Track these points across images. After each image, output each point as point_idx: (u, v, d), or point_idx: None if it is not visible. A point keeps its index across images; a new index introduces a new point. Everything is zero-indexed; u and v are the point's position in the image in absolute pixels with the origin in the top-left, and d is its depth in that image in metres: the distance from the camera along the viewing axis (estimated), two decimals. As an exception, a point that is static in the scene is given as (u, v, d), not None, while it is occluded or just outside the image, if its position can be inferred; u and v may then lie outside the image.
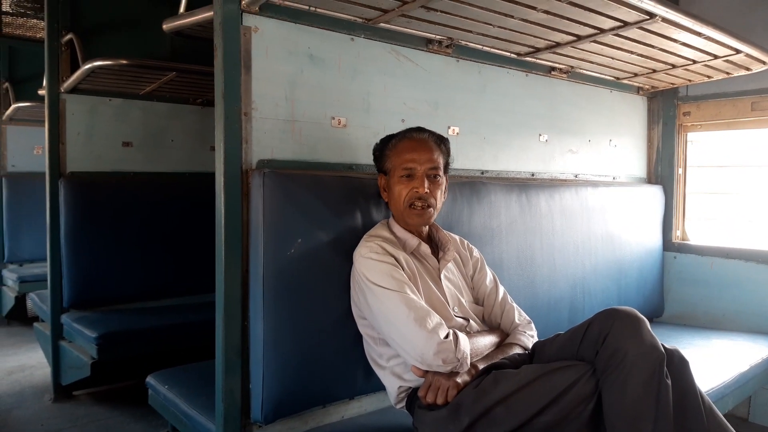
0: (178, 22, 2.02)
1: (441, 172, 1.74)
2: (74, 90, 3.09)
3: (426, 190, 1.69)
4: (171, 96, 3.40)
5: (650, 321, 1.44)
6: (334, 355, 1.74)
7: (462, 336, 1.56)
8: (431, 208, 1.71)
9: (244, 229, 1.65)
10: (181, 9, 2.01)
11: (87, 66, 2.77)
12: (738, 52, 2.28)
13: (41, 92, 3.39)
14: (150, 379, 2.15)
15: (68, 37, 3.05)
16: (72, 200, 3.04)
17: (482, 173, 2.36)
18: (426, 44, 2.11)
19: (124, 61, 2.78)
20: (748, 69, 2.55)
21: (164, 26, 2.09)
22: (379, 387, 1.79)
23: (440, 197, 1.75)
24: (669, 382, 1.36)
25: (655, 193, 3.10)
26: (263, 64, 1.70)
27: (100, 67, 2.77)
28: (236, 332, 1.65)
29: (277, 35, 1.73)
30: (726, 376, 2.18)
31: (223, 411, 1.62)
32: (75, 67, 3.00)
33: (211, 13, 1.69)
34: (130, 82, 3.10)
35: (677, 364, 1.42)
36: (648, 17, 1.88)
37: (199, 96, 3.45)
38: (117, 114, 3.30)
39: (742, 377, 2.25)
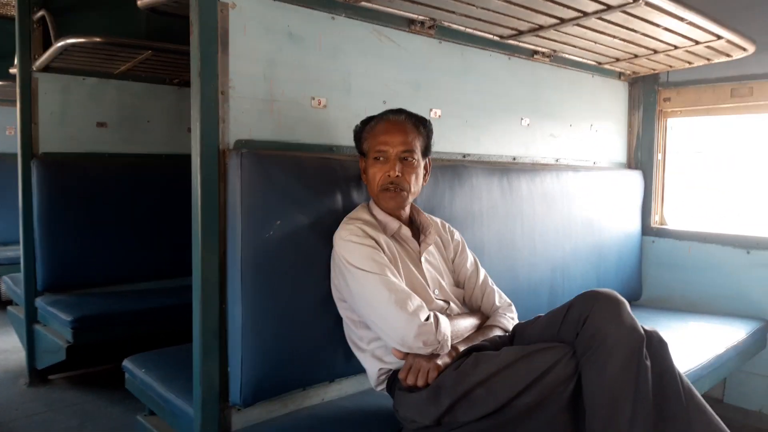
0: (153, -2, 1.96)
1: (416, 155, 1.71)
2: (47, 69, 3.01)
3: (398, 173, 1.67)
4: (147, 75, 3.33)
5: (629, 303, 1.45)
6: (314, 338, 1.72)
7: (443, 318, 1.55)
8: (404, 191, 1.70)
9: (221, 210, 1.62)
10: (157, -16, 1.95)
11: (60, 44, 2.69)
12: (719, 38, 2.28)
13: (12, 71, 3.29)
14: (127, 363, 2.11)
15: (40, 14, 2.96)
16: (45, 182, 2.98)
17: (464, 156, 2.34)
18: (408, 25, 2.08)
19: (98, 39, 2.71)
20: (728, 55, 2.57)
21: (138, 2, 2.03)
22: (359, 370, 1.79)
23: (415, 181, 1.72)
24: (648, 363, 1.37)
25: (635, 178, 3.12)
26: (241, 41, 1.65)
27: (73, 45, 2.69)
28: (214, 315, 1.62)
29: (255, 12, 1.69)
30: (702, 358, 2.21)
31: (201, 394, 1.60)
32: (47, 45, 2.91)
33: (188, -12, 1.64)
34: (105, 60, 3.02)
35: (656, 346, 1.42)
36: (631, 1, 1.87)
37: (175, 76, 3.38)
38: (91, 94, 3.22)
39: (717, 359, 2.28)
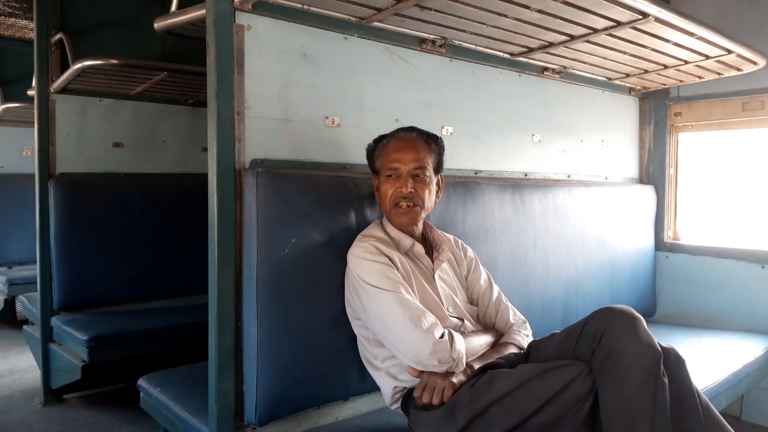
0: (170, 21, 2.00)
1: (428, 172, 1.72)
2: (64, 90, 3.06)
3: (410, 189, 1.68)
4: (162, 96, 3.37)
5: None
6: (329, 356, 1.73)
7: (457, 336, 1.55)
8: (417, 207, 1.71)
9: (237, 229, 1.64)
10: (173, 7, 1.99)
11: (77, 66, 2.75)
12: (729, 52, 2.29)
13: (30, 93, 3.35)
14: (142, 382, 2.12)
15: (58, 36, 3.02)
16: (62, 202, 3.01)
17: (476, 173, 2.35)
18: (420, 44, 2.10)
19: (115, 61, 2.75)
20: (739, 69, 2.57)
21: (155, 25, 2.07)
22: (374, 388, 1.79)
23: (428, 197, 1.73)
24: (666, 380, 1.36)
25: (647, 193, 3.11)
26: (256, 62, 1.69)
27: (90, 67, 2.74)
28: (230, 333, 1.63)
29: (270, 34, 1.72)
30: (719, 375, 2.19)
31: (216, 413, 1.61)
32: (65, 68, 2.97)
33: (203, 11, 1.67)
34: (121, 82, 3.07)
35: (673, 363, 1.42)
36: (641, 17, 1.89)
37: (190, 96, 3.43)
38: (107, 114, 3.27)
39: (734, 376, 2.26)
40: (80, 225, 3.06)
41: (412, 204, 1.69)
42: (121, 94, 3.27)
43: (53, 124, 3.07)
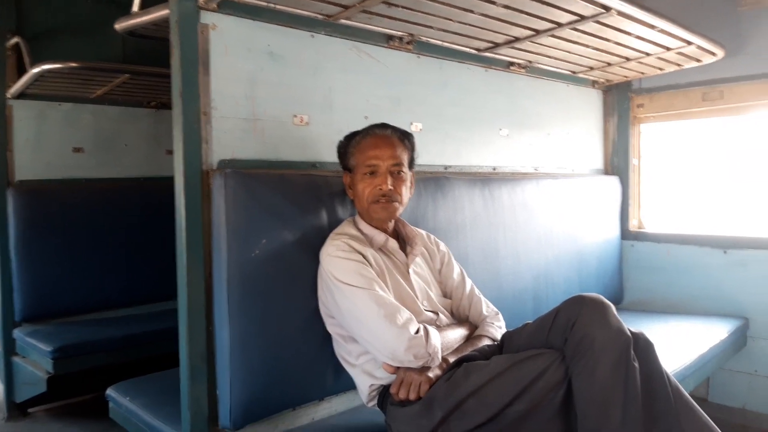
0: (132, 22, 1.95)
1: (404, 168, 1.73)
2: (21, 95, 2.97)
3: (390, 186, 1.68)
4: (123, 99, 3.30)
5: (613, 307, 1.47)
6: (303, 357, 1.71)
7: (432, 330, 1.56)
8: (396, 202, 1.71)
9: (206, 231, 1.61)
10: (135, 7, 1.94)
11: (35, 70, 2.67)
12: (689, 44, 2.35)
13: (-15, 99, 3.24)
14: (110, 391, 2.07)
15: (14, 41, 2.93)
16: (21, 210, 2.92)
17: (446, 168, 2.37)
18: (387, 40, 2.10)
19: (74, 64, 2.68)
20: (698, 60, 2.64)
21: (116, 26, 2.02)
22: (350, 386, 1.78)
23: (405, 192, 1.74)
24: (636, 365, 1.39)
25: (612, 183, 3.18)
26: (222, 62, 1.66)
27: (48, 71, 2.67)
28: (201, 338, 1.61)
29: (235, 32, 1.69)
30: (686, 358, 2.24)
31: (189, 419, 1.58)
32: (22, 72, 2.88)
33: (167, 11, 1.64)
34: (81, 85, 3.00)
35: (643, 347, 1.44)
36: (604, 10, 1.92)
37: (153, 98, 3.36)
38: (67, 119, 3.18)
39: (701, 359, 2.32)
40: (41, 233, 2.97)
41: (391, 199, 1.69)
42: (81, 98, 3.19)
43: (10, 130, 2.97)
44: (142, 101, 3.38)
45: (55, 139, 3.14)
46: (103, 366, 2.77)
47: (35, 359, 2.78)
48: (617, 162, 3.25)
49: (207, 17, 1.62)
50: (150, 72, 2.83)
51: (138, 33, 1.97)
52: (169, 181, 1.62)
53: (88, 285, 3.12)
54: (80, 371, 2.75)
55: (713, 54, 2.53)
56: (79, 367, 2.72)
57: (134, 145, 3.42)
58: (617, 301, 3.17)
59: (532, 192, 2.63)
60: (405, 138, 1.77)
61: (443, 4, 1.80)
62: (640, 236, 3.19)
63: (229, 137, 1.68)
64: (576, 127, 3.05)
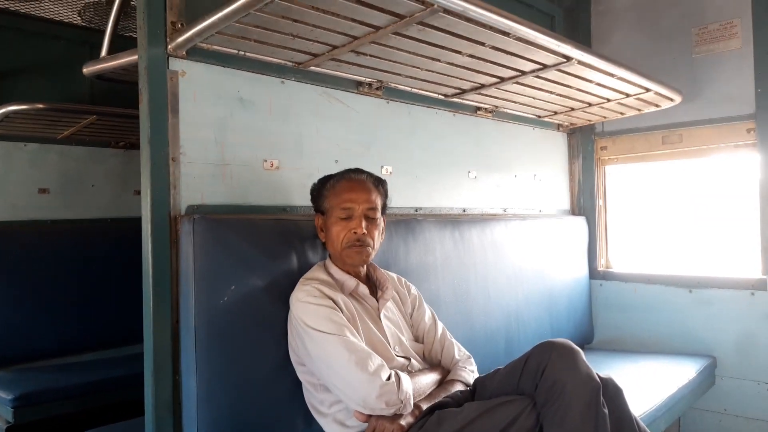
0: (100, 66, 1.96)
1: (378, 213, 1.75)
2: (-14, 136, 2.92)
3: (363, 230, 1.69)
4: (91, 140, 3.26)
5: (582, 348, 1.50)
6: (273, 405, 1.68)
7: (404, 376, 1.54)
8: (369, 247, 1.71)
9: (174, 277, 1.59)
10: (103, 52, 1.96)
11: (1, 111, 2.63)
12: (648, 90, 2.44)
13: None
14: (73, 443, 2.00)
15: (-21, 80, 2.90)
16: (-18, 253, 2.85)
17: (416, 210, 2.39)
18: (356, 86, 2.14)
19: (41, 105, 2.66)
20: (657, 105, 2.74)
21: (85, 70, 2.02)
22: (321, 435, 1.75)
23: (378, 237, 1.75)
24: (606, 410, 1.40)
25: (579, 223, 3.24)
26: (191, 107, 1.66)
27: (15, 112, 2.63)
28: (167, 387, 1.57)
29: (205, 79, 1.71)
30: (656, 399, 2.26)
31: (155, 473, 1.53)
32: (-14, 113, 2.84)
33: (135, 57, 1.65)
34: (48, 126, 2.96)
35: (612, 393, 1.46)
36: (565, 60, 1.99)
37: (121, 139, 3.32)
38: (32, 159, 3.13)
39: (671, 399, 2.34)
40: (4, 275, 2.88)
41: (364, 244, 1.70)
42: (48, 139, 3.14)
43: (-26, 172, 2.92)
44: (110, 141, 3.35)
45: (21, 180, 3.08)
46: (66, 414, 2.66)
47: (-7, 408, 2.67)
48: (583, 202, 3.32)
49: (176, 64, 1.63)
50: (118, 113, 2.81)
51: (106, 77, 1.98)
52: (138, 222, 1.59)
53: (51, 329, 3.01)
54: (42, 419, 2.64)
55: (671, 99, 2.63)
56: (41, 415, 2.60)
57: (101, 185, 3.37)
58: (588, 340, 3.20)
59: (501, 232, 2.67)
60: (379, 184, 1.79)
61: (410, 53, 1.84)
62: (607, 275, 3.24)
63: (198, 182, 1.68)
64: (543, 168, 3.12)
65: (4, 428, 2.55)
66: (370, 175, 1.78)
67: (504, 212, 2.85)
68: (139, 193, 1.61)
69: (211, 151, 1.71)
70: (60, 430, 2.37)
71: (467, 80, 2.20)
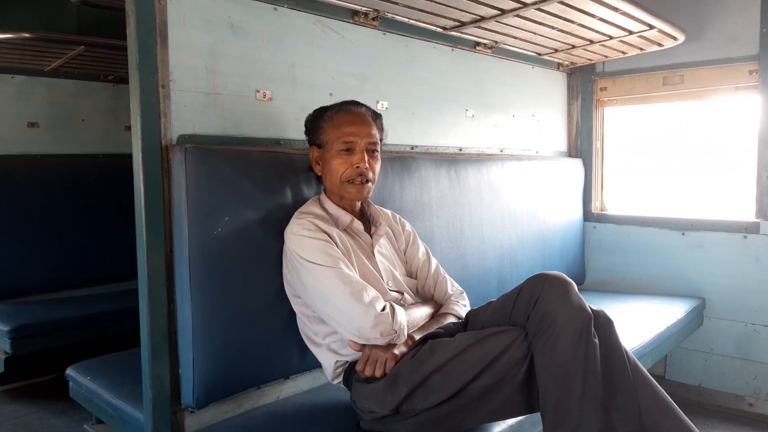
0: (86, -11, 1.88)
1: (379, 147, 1.72)
2: (-29, 68, 2.85)
3: (366, 165, 1.66)
4: (80, 72, 3.20)
5: (575, 286, 1.50)
6: (267, 336, 1.70)
7: (398, 308, 1.56)
8: (370, 183, 1.69)
9: (166, 208, 1.57)
10: (89, -25, 1.88)
11: (-16, 39, 2.55)
12: (651, 27, 2.38)
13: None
14: (70, 371, 2.03)
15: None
16: (-28, 187, 2.82)
17: (412, 148, 2.36)
18: (352, 16, 2.07)
19: (27, 35, 2.58)
20: (660, 45, 2.68)
21: (70, -6, 1.95)
22: (315, 365, 1.78)
23: (378, 172, 1.73)
24: (596, 341, 1.41)
25: (576, 166, 3.22)
26: (180, 33, 1.60)
27: (0, 41, 2.55)
28: (162, 316, 1.57)
29: (194, 3, 1.64)
30: (645, 336, 2.31)
31: (151, 397, 1.55)
32: (-29, 42, 2.75)
33: (122, -22, 1.58)
34: (34, 57, 2.89)
35: (603, 324, 1.47)
36: (569, -10, 1.92)
37: (110, 72, 3.25)
38: (20, 92, 3.07)
39: (659, 337, 2.39)
40: (-5, 210, 2.88)
41: (366, 180, 1.68)
42: (35, 71, 3.07)
43: (-40, 104, 2.85)
44: (99, 75, 3.28)
45: (9, 114, 3.04)
46: (63, 346, 2.71)
47: (-8, 339, 2.71)
48: (581, 145, 3.29)
49: (165, -14, 1.56)
50: (106, 44, 2.74)
51: (93, 2, 1.91)
52: (128, 158, 1.56)
53: (46, 264, 3.04)
54: (39, 351, 2.70)
55: (674, 38, 2.57)
56: (38, 347, 2.66)
57: (91, 120, 3.32)
58: (579, 281, 3.23)
59: (497, 173, 2.65)
60: (377, 118, 1.75)
61: (409, -22, 1.77)
62: (601, 218, 3.25)
63: (189, 111, 1.64)
64: (541, 109, 3.07)
65: (3, 359, 2.60)
66: (368, 108, 1.74)
67: (501, 152, 2.82)
68: (129, 128, 1.57)
69: (202, 80, 1.66)
70: (57, 362, 2.40)
71: (467, 11, 2.13)
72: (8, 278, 2.92)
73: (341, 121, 1.68)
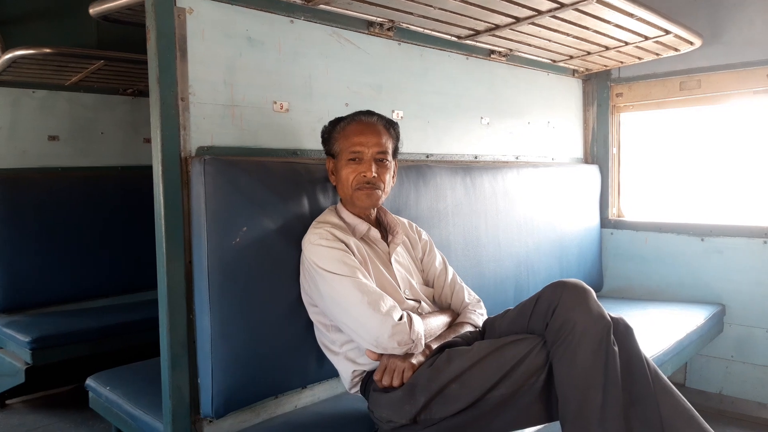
0: (106, 6, 1.92)
1: (389, 156, 1.73)
2: (-6, 82, 2.91)
3: (374, 174, 1.67)
4: (99, 86, 3.25)
5: (593, 293, 1.49)
6: (285, 345, 1.71)
7: (415, 317, 1.56)
8: (379, 190, 1.70)
9: (186, 219, 1.59)
10: (109, -9, 1.91)
11: (8, 56, 2.61)
12: (667, 32, 2.37)
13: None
14: (90, 381, 2.05)
15: (-15, 26, 2.87)
16: (-3, 199, 2.87)
17: (427, 156, 2.36)
18: (367, 27, 2.08)
19: (48, 50, 2.63)
20: (676, 50, 2.66)
21: (91, 11, 1.98)
22: (332, 374, 1.78)
23: (389, 181, 1.74)
24: (616, 349, 1.40)
25: (592, 172, 3.20)
26: (199, 47, 1.63)
27: (22, 57, 2.61)
28: (182, 326, 1.59)
29: (213, 17, 1.67)
30: (664, 343, 2.28)
31: (171, 407, 1.57)
32: (-6, 58, 2.82)
33: (142, -5, 1.61)
34: (55, 72, 2.94)
35: (623, 332, 1.46)
36: (583, -2, 1.92)
37: (129, 86, 3.30)
38: (42, 106, 3.12)
39: (679, 344, 2.36)
40: (17, 223, 2.93)
41: (374, 187, 1.69)
42: (56, 85, 3.13)
43: (-17, 118, 2.91)
44: (119, 88, 3.33)
45: (30, 127, 3.09)
46: (83, 357, 2.73)
47: (13, 350, 2.74)
48: (597, 151, 3.27)
49: (183, 1, 1.59)
50: (126, 58, 2.78)
51: (112, 18, 1.94)
52: (148, 170, 1.59)
53: (67, 275, 3.08)
54: (59, 362, 2.72)
55: (691, 43, 2.55)
56: (58, 357, 2.69)
57: (111, 133, 3.37)
58: (597, 289, 3.20)
59: (513, 180, 2.64)
60: (390, 126, 1.76)
61: (423, -11, 1.78)
62: (619, 224, 3.22)
63: (208, 123, 1.66)
64: (556, 116, 3.07)
65: (23, 369, 2.63)
66: (381, 117, 1.75)
67: (516, 160, 2.82)
68: (148, 141, 1.60)
69: (220, 92, 1.69)
70: (76, 372, 2.43)
71: (481, 20, 2.14)
72: (28, 289, 2.96)
73: (351, 131, 1.70)
